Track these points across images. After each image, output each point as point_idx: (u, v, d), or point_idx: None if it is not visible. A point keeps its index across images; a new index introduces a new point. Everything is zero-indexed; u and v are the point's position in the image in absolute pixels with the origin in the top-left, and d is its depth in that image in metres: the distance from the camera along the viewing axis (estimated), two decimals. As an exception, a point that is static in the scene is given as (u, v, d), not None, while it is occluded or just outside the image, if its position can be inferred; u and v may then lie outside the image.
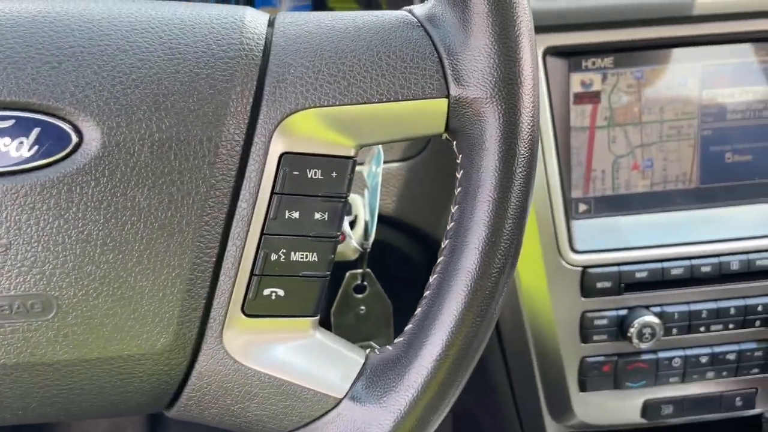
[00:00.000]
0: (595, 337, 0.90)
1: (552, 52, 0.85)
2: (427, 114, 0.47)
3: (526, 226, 0.47)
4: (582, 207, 0.92)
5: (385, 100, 0.46)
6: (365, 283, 0.79)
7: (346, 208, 0.50)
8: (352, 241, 0.74)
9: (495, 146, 0.45)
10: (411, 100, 0.46)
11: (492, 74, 0.45)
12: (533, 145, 0.46)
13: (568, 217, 0.88)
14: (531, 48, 0.46)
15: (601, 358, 0.91)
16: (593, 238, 0.90)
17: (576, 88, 0.89)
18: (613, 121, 0.90)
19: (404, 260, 0.99)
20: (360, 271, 0.78)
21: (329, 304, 0.82)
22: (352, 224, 0.76)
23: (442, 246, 0.48)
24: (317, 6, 1.06)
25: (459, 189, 0.47)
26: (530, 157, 0.46)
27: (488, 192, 0.45)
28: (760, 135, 0.92)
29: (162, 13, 0.48)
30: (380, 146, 0.75)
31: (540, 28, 0.83)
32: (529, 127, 0.46)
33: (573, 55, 0.87)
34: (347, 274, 0.79)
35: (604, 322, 0.89)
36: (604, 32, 0.85)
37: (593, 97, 0.89)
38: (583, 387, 0.93)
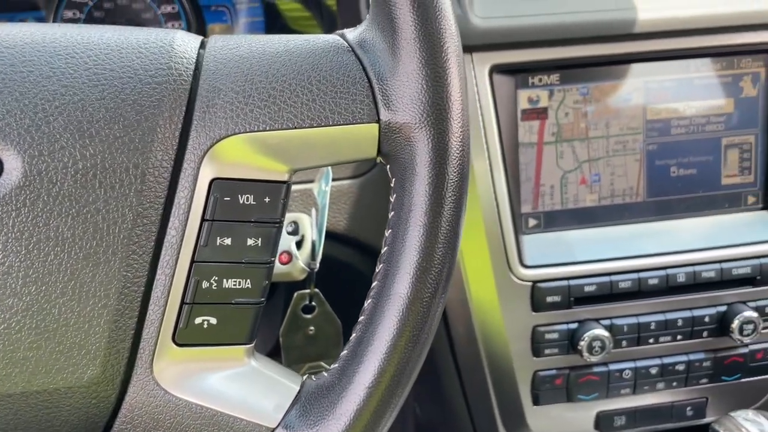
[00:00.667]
0: (547, 351, 0.91)
1: (499, 69, 0.86)
2: (358, 139, 0.47)
3: (458, 250, 0.47)
4: (532, 222, 0.93)
5: (315, 125, 0.46)
6: (313, 303, 0.78)
7: (281, 233, 0.50)
8: (299, 261, 0.74)
9: (425, 171, 0.45)
10: (342, 125, 0.46)
11: (421, 99, 0.45)
12: (463, 170, 0.46)
13: (518, 232, 0.89)
14: (459, 73, 0.46)
15: (553, 372, 0.92)
16: (543, 252, 0.90)
17: (523, 104, 0.90)
18: (560, 136, 0.91)
19: (357, 277, 0.99)
20: (308, 291, 0.78)
21: (279, 325, 0.82)
22: (299, 244, 0.75)
23: (376, 270, 0.48)
24: (271, 22, 1.05)
25: (392, 213, 0.47)
26: (460, 182, 0.46)
27: (419, 217, 0.45)
28: (703, 149, 0.94)
29: (88, 38, 0.47)
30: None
31: (486, 46, 0.85)
32: (459, 151, 0.46)
33: (520, 72, 0.88)
34: (295, 294, 0.78)
35: (555, 336, 0.90)
36: (550, 50, 0.86)
37: (540, 113, 0.91)
38: (536, 400, 0.93)
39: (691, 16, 0.87)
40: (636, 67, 0.91)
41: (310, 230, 0.75)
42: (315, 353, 0.79)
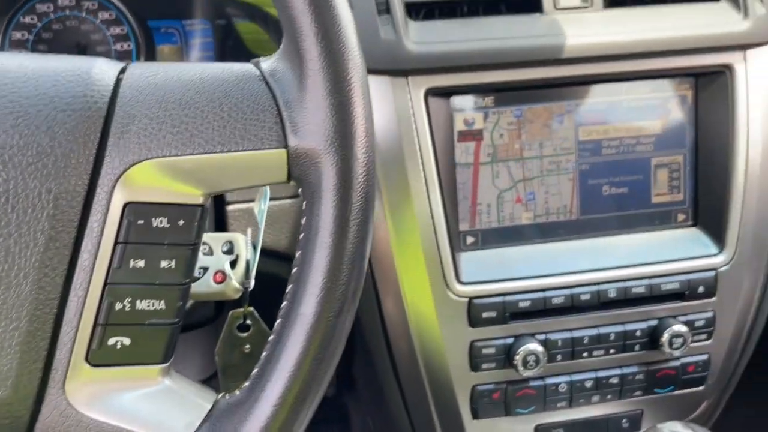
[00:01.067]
0: (485, 366, 0.93)
1: (434, 92, 0.89)
2: (268, 163, 0.49)
3: (364, 271, 0.49)
4: (470, 239, 0.96)
5: (226, 150, 0.48)
6: (248, 321, 0.79)
7: (197, 254, 0.51)
8: (233, 281, 0.75)
9: (330, 195, 0.47)
10: (251, 150, 0.48)
11: (326, 127, 0.47)
12: (368, 194, 0.48)
13: (454, 249, 0.91)
14: (363, 101, 0.48)
15: (491, 386, 0.94)
16: (480, 269, 0.93)
17: (459, 126, 0.93)
18: (496, 157, 0.94)
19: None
20: (242, 310, 0.79)
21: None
22: (234, 264, 0.77)
23: (287, 291, 0.49)
24: (222, 44, 1.07)
25: (302, 235, 0.49)
26: (365, 205, 0.48)
27: (324, 239, 0.47)
28: (634, 168, 0.98)
29: (7, 66, 0.49)
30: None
31: (421, 71, 0.88)
32: (363, 176, 0.48)
33: (455, 95, 0.91)
34: (230, 313, 0.79)
35: (492, 350, 0.92)
36: (484, 74, 0.89)
37: (476, 135, 0.93)
38: (475, 414, 0.96)
39: (619, 42, 0.91)
40: (567, 90, 0.94)
41: (244, 249, 0.76)
42: (252, 371, 0.80)
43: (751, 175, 0.96)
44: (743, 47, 0.94)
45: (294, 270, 0.49)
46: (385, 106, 0.88)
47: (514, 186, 0.96)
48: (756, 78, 0.95)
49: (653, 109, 0.97)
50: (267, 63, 0.51)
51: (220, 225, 0.94)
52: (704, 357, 1.00)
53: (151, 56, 1.05)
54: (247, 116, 0.48)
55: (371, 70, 0.89)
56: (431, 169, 0.89)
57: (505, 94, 0.93)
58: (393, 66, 0.86)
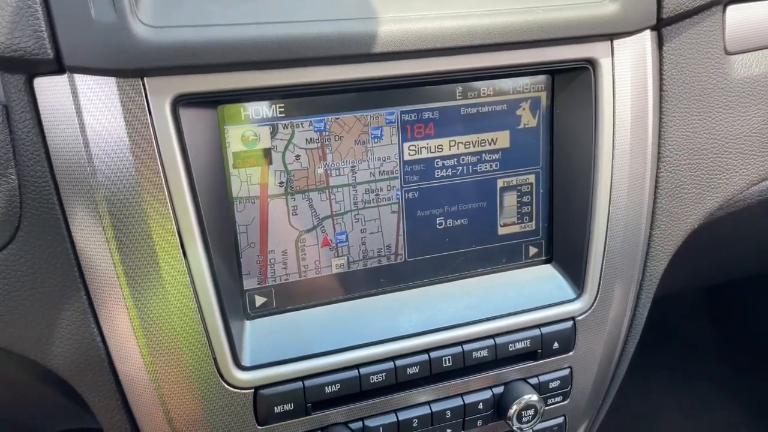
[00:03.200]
0: (283, 469, 0.69)
1: (188, 100, 0.60)
2: None
3: None
4: (259, 300, 0.70)
5: None
6: None
7: None
8: None
9: None
10: None
11: None
12: None
13: (231, 319, 0.65)
14: None
15: (296, 494, 0.71)
16: (271, 344, 0.67)
17: (236, 146, 0.65)
18: (291, 186, 0.68)
19: None
20: None
21: None
22: None
23: None
24: None
25: None
26: None
27: None
28: (475, 193, 0.75)
29: None
30: None
31: (166, 69, 0.58)
32: None
33: (225, 103, 0.64)
34: None
35: (291, 452, 0.69)
36: (266, 73, 0.62)
37: (261, 158, 0.67)
38: None
39: (452, 29, 0.66)
40: (386, 95, 0.69)
41: None
42: None
43: (617, 197, 0.76)
44: (610, 36, 0.73)
45: None
46: (110, 122, 0.58)
47: (320, 224, 0.71)
48: (623, 74, 0.74)
49: (498, 117, 0.74)
50: None
51: None
52: (559, 420, 0.82)
53: None
54: None
55: (81, 69, 0.58)
56: (185, 208, 0.61)
57: (300, 100, 0.66)
58: (116, 63, 0.56)
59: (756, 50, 0.88)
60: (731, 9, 0.85)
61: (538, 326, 0.76)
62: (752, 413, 1.97)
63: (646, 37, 0.76)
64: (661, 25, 0.78)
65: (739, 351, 2.10)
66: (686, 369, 2.12)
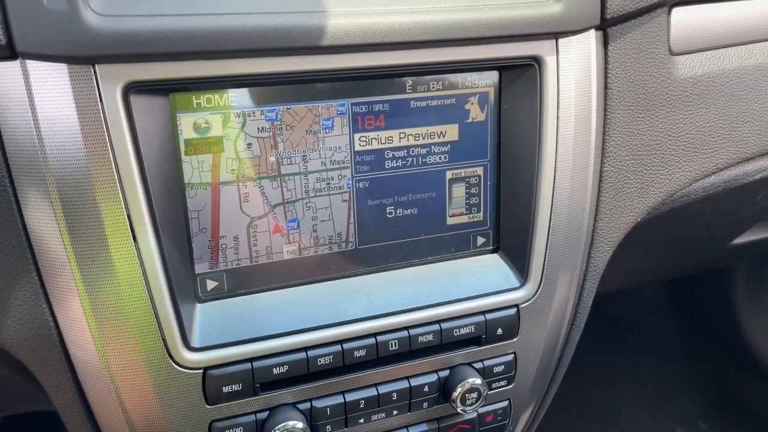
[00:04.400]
0: (232, 450, 0.71)
1: (140, 88, 0.62)
2: None
3: None
4: (211, 284, 0.72)
5: None
6: None
7: None
8: None
9: None
10: None
11: None
12: None
13: (181, 301, 0.67)
14: None
15: (244, 469, 0.73)
16: (221, 326, 0.70)
17: (188, 133, 0.67)
18: (243, 174, 0.70)
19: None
20: None
21: None
22: None
23: None
24: None
25: None
26: None
27: None
28: (425, 184, 0.78)
29: None
30: None
31: (117, 57, 0.60)
32: None
33: (177, 91, 0.65)
34: None
35: (239, 431, 0.71)
36: (218, 62, 0.64)
37: (213, 145, 0.68)
38: (225, 507, 0.74)
39: (404, 24, 0.68)
40: (338, 87, 0.71)
41: None
42: None
43: (560, 190, 0.79)
44: (554, 35, 0.76)
45: None
46: (61, 108, 0.60)
47: (271, 211, 0.73)
48: (568, 72, 0.77)
49: (448, 111, 0.76)
50: None
51: None
52: (504, 404, 0.85)
53: None
54: None
55: (33, 55, 0.59)
56: (136, 194, 0.62)
57: (251, 89, 0.68)
58: (67, 50, 0.57)
59: (700, 51, 0.92)
60: (676, 11, 0.89)
61: (483, 313, 0.79)
62: (709, 404, 2.03)
63: (591, 37, 0.79)
64: (605, 25, 0.81)
65: (699, 344, 2.16)
66: (648, 361, 2.18)
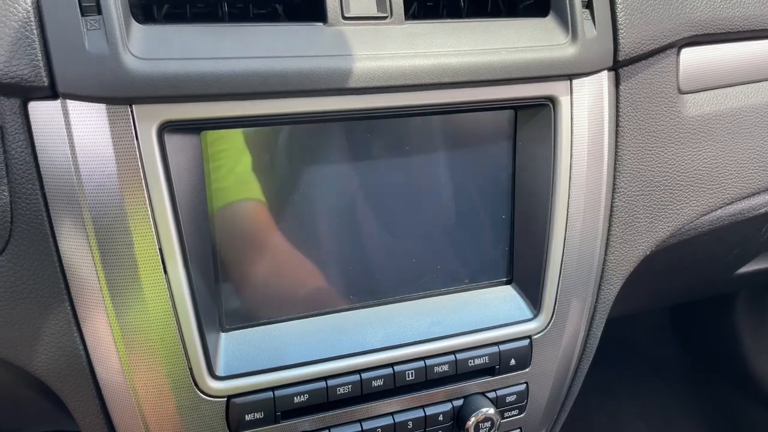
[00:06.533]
0: (255, 475, 0.73)
1: (174, 127, 0.64)
2: None
3: None
4: (235, 315, 0.74)
5: None
6: None
7: None
8: None
9: None
10: None
11: None
12: None
13: (206, 332, 0.69)
14: None
15: (265, 496, 0.75)
16: (244, 356, 0.72)
17: (217, 168, 0.70)
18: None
19: None
20: None
21: None
22: None
23: None
24: None
25: None
26: None
27: None
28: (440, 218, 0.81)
29: None
30: None
31: (153, 98, 0.63)
32: None
33: (206, 129, 0.67)
34: None
35: (260, 457, 0.73)
36: (247, 103, 0.65)
37: (240, 180, 0.71)
38: None
39: (425, 67, 0.69)
40: (360, 125, 0.73)
41: None
42: None
43: (572, 225, 0.82)
44: (569, 76, 0.79)
45: None
46: (99, 145, 0.62)
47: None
48: (581, 111, 0.80)
49: (466, 148, 0.80)
50: None
51: None
52: (515, 432, 0.87)
53: None
54: None
55: (74, 96, 0.62)
56: (167, 229, 0.65)
57: (278, 127, 0.71)
58: (107, 91, 0.60)
59: (708, 90, 0.95)
60: (685, 51, 0.92)
61: (497, 344, 0.81)
62: (709, 428, 2.04)
63: (604, 77, 0.82)
64: (617, 66, 0.84)
65: (700, 367, 2.18)
66: (650, 383, 2.19)
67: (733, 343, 1.94)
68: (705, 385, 2.13)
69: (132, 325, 0.66)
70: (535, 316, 0.82)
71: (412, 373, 0.77)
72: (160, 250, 0.65)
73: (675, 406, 2.11)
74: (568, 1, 0.75)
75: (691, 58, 0.92)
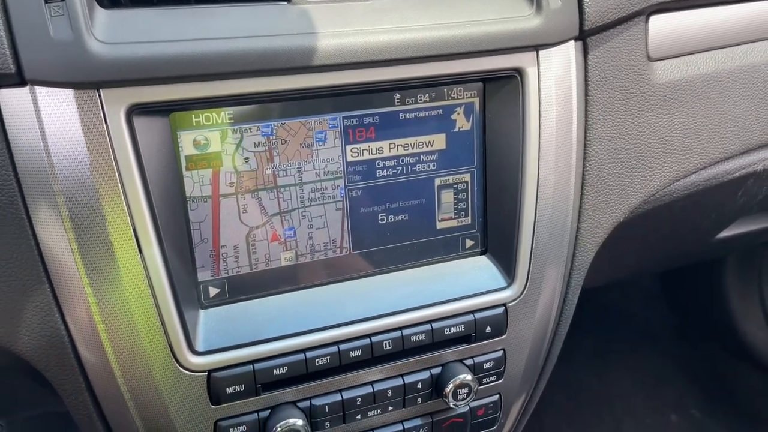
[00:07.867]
0: (236, 447, 0.76)
1: (142, 109, 0.65)
2: None
3: None
4: (213, 291, 0.76)
5: None
6: None
7: None
8: None
9: None
10: None
11: None
12: None
13: (186, 308, 0.71)
14: None
15: (248, 466, 0.77)
16: (224, 331, 0.74)
17: (188, 150, 0.71)
18: (241, 186, 0.74)
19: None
20: None
21: None
22: None
23: None
24: None
25: None
26: None
27: None
28: (414, 191, 0.81)
29: None
30: None
31: (120, 82, 0.64)
32: None
33: (176, 111, 0.69)
34: None
35: (243, 429, 0.75)
36: (214, 84, 0.67)
37: (212, 160, 0.72)
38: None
39: (392, 42, 0.71)
40: (330, 102, 0.75)
41: None
42: None
43: (543, 194, 0.83)
44: (535, 47, 0.80)
45: None
46: (69, 130, 0.63)
47: (269, 221, 0.77)
48: (549, 82, 0.81)
49: (435, 121, 0.80)
50: None
51: None
52: (495, 398, 0.89)
53: None
54: None
55: (41, 82, 0.63)
56: (140, 209, 0.66)
57: (248, 107, 0.72)
58: (73, 77, 0.61)
59: (677, 57, 0.95)
60: (654, 18, 0.93)
61: (472, 312, 0.83)
62: (702, 392, 2.08)
63: (571, 47, 0.82)
64: (584, 36, 0.84)
65: (691, 332, 2.21)
66: (642, 349, 2.22)
67: (722, 307, 1.97)
68: (696, 349, 2.16)
69: (111, 305, 0.68)
70: (509, 284, 0.84)
71: (389, 343, 0.79)
72: (134, 230, 0.66)
73: (666, 370, 2.14)
74: (530, -28, 0.76)
75: (660, 25, 0.92)
